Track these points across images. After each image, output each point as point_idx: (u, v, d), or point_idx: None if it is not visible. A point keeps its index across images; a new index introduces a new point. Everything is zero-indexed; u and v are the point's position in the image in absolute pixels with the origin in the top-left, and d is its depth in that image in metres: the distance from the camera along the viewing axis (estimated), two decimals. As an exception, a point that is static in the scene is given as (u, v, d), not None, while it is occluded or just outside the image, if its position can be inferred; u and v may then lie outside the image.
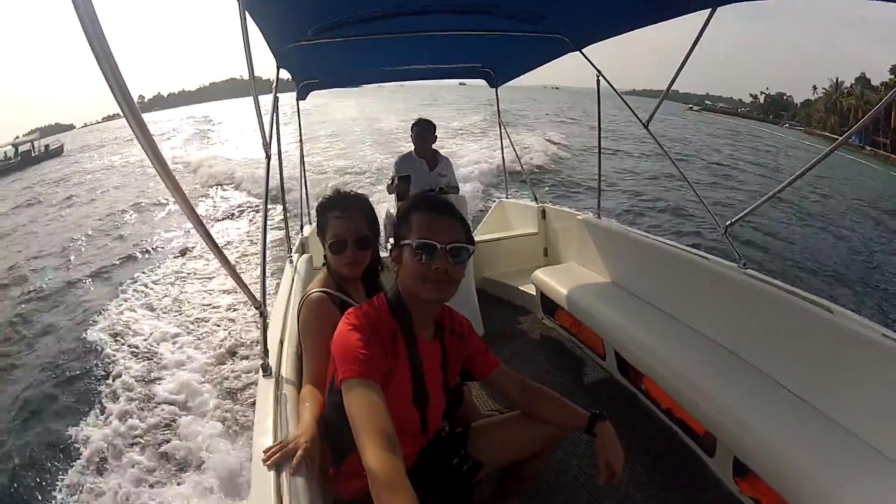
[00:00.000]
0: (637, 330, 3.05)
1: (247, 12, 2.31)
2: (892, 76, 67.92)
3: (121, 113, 1.09)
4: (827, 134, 70.73)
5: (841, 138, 2.67)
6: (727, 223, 2.97)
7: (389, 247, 1.66)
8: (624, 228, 4.03)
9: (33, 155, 40.54)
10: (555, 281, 3.91)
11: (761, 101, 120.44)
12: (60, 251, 11.62)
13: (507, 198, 6.28)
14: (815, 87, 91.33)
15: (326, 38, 3.17)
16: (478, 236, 5.37)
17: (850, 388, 2.15)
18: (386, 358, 1.49)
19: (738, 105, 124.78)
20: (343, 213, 2.04)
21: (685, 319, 3.10)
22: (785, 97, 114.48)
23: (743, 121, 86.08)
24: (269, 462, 1.51)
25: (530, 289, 4.34)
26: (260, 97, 2.60)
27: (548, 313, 4.17)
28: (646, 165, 20.25)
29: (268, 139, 2.70)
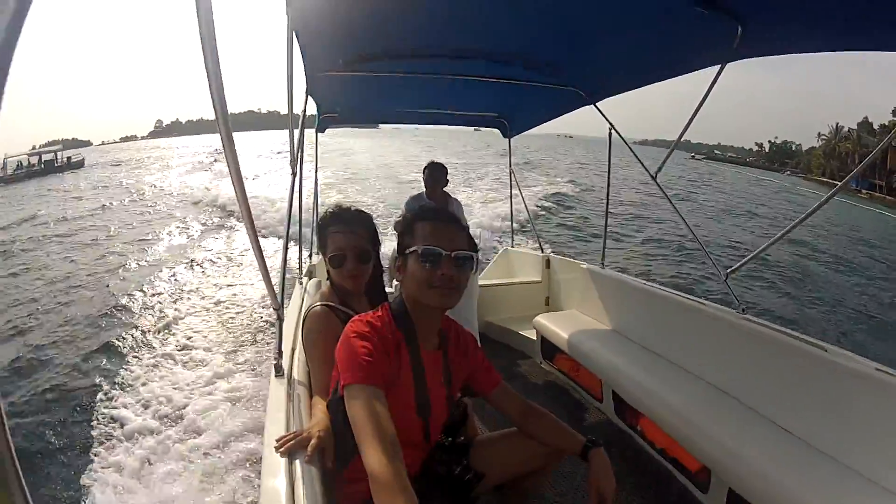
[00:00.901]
0: (635, 371, 3.12)
1: (295, 32, 2.40)
2: (894, 117, 68.50)
3: (216, 128, 1.26)
4: (824, 179, 71.17)
5: (837, 186, 2.79)
6: (728, 270, 3.05)
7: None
8: (625, 277, 4.11)
9: (56, 164, 46.60)
10: (556, 326, 3.98)
11: (767, 149, 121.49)
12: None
13: (512, 246, 6.35)
14: (819, 134, 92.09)
15: (356, 69, 3.26)
16: (481, 281, 5.40)
17: (844, 423, 2.20)
18: (389, 365, 1.51)
19: (747, 154, 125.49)
20: (344, 227, 2.07)
21: (683, 363, 3.16)
22: (790, 145, 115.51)
23: (746, 169, 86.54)
24: (282, 449, 1.53)
25: (531, 334, 4.39)
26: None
27: (547, 357, 4.22)
28: (652, 212, 20.41)
29: (295, 157, 2.85)
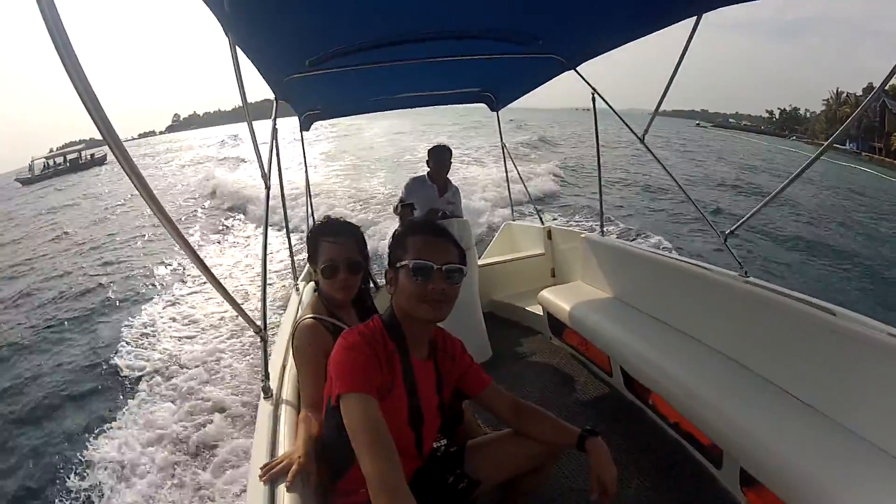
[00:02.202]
0: (642, 345, 3.06)
1: (237, 47, 2.36)
2: None
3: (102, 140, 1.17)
4: (824, 143, 70.60)
5: (826, 143, 2.73)
6: (726, 231, 2.99)
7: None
8: (625, 244, 4.07)
9: (80, 162, 53.23)
10: (561, 300, 3.94)
11: (777, 116, 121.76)
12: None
13: (513, 220, 6.32)
14: (823, 100, 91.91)
15: (323, 68, 3.21)
16: (485, 259, 5.45)
17: (856, 391, 2.14)
18: (383, 376, 1.52)
19: (761, 122, 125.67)
20: (335, 238, 2.09)
21: (689, 331, 3.12)
22: (799, 112, 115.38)
23: (752, 136, 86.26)
24: (264, 477, 1.55)
25: (538, 310, 4.36)
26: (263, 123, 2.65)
27: (555, 333, 4.18)
28: (646, 177, 20.58)
29: (267, 170, 2.76)
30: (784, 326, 2.51)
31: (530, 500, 2.08)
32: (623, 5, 2.71)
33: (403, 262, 1.59)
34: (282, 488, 1.50)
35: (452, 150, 4.71)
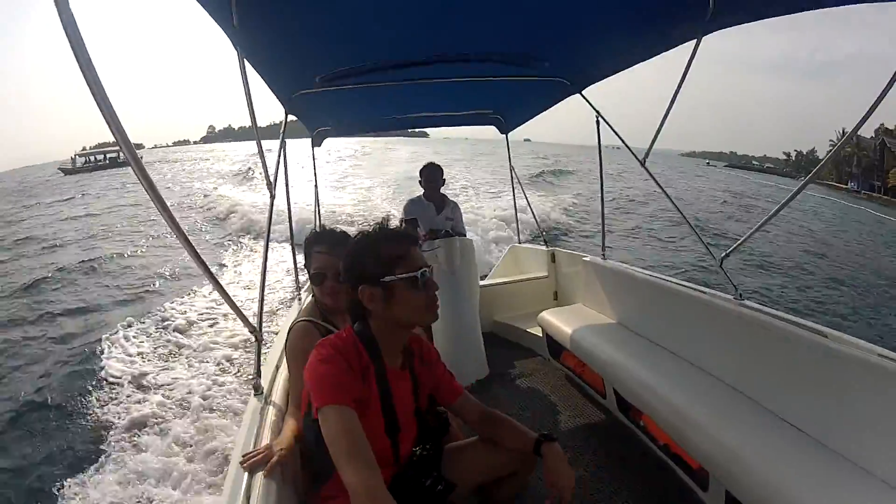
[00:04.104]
0: (635, 368, 3.08)
1: (246, 61, 2.42)
2: None
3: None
4: (831, 183, 72.21)
5: (810, 174, 2.89)
6: (722, 255, 3.03)
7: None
8: (626, 268, 4.10)
9: (119, 161, 58.36)
10: (560, 322, 3.97)
11: (793, 157, 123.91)
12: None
13: (519, 243, 6.38)
14: (830, 141, 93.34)
15: (333, 86, 3.26)
16: (489, 280, 5.51)
17: (847, 414, 2.15)
18: (359, 387, 1.53)
19: (783, 164, 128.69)
20: (327, 248, 2.19)
21: (683, 354, 3.15)
22: (815, 153, 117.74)
23: (761, 175, 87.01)
24: (245, 465, 1.61)
25: (539, 331, 4.38)
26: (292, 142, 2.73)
27: (554, 355, 4.20)
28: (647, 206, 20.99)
29: (273, 180, 2.86)
30: (777, 349, 2.54)
31: None
32: (623, 28, 2.77)
33: (399, 276, 1.57)
34: (259, 476, 1.57)
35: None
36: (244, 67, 2.42)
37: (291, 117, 3.84)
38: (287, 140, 3.25)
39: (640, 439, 3.07)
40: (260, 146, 2.83)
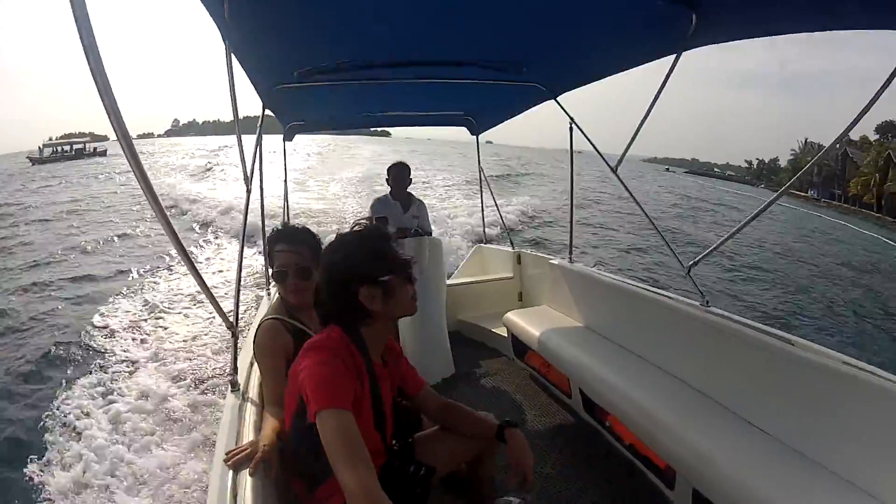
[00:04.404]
0: (602, 369, 3.11)
1: (232, 53, 2.43)
2: (877, 135, 71.15)
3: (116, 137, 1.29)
4: (791, 191, 73.99)
5: (782, 189, 2.92)
6: (690, 263, 3.08)
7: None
8: (593, 271, 4.13)
9: (85, 152, 62.85)
10: (526, 323, 3.98)
11: (755, 166, 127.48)
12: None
13: (484, 243, 6.40)
14: (791, 150, 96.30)
15: (310, 81, 3.26)
16: (454, 279, 5.51)
17: (811, 417, 2.22)
18: (354, 386, 1.55)
19: (744, 172, 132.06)
20: (288, 245, 2.18)
21: (650, 358, 3.19)
22: (778, 161, 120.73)
23: (720, 182, 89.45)
24: (229, 462, 1.60)
25: (503, 332, 4.40)
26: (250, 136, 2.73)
27: (518, 355, 4.22)
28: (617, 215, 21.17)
29: (249, 174, 2.86)
30: (743, 354, 2.59)
31: (483, 489, 2.16)
32: (605, 39, 2.80)
33: (397, 273, 1.66)
34: (244, 474, 1.55)
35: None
36: (230, 60, 2.44)
37: (267, 112, 3.82)
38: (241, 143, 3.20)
39: (606, 439, 3.09)
40: (240, 140, 2.84)
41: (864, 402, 2.06)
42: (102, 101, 1.14)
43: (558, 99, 3.84)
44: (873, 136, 66.43)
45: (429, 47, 2.87)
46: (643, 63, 2.96)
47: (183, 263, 1.81)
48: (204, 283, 1.94)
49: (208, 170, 32.76)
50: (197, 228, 15.65)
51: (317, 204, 19.02)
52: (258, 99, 3.51)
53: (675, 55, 2.73)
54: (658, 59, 2.82)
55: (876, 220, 48.93)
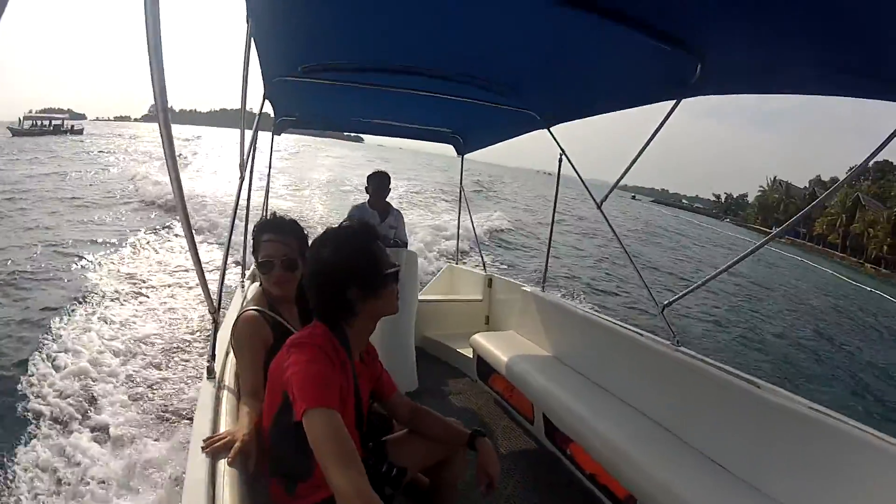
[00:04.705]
0: (567, 397, 3.12)
1: (253, 38, 2.47)
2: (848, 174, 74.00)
3: (154, 113, 1.37)
4: (754, 226, 78.12)
5: (773, 233, 2.98)
6: (664, 303, 3.13)
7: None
8: (564, 302, 4.17)
9: (62, 129, 63.27)
10: (492, 346, 3.99)
11: (723, 200, 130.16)
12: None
13: (457, 263, 6.41)
14: (760, 187, 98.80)
15: (314, 77, 3.28)
16: (423, 296, 5.47)
17: (774, 457, 2.28)
18: (341, 385, 1.54)
19: (713, 206, 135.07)
20: (276, 235, 2.16)
21: (616, 391, 3.21)
22: (746, 197, 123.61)
23: (684, 213, 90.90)
24: (207, 449, 1.57)
25: (468, 352, 4.40)
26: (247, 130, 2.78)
27: (482, 377, 4.22)
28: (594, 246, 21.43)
29: (245, 160, 2.90)
30: (709, 394, 2.64)
31: (451, 489, 2.16)
32: (608, 77, 2.83)
33: (388, 272, 1.69)
34: (222, 464, 1.52)
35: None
36: (249, 41, 2.48)
37: (256, 107, 3.79)
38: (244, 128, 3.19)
39: (567, 467, 3.10)
40: (242, 130, 2.88)
41: (825, 445, 2.14)
42: (153, 88, 1.24)
43: (551, 129, 3.86)
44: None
45: (431, 58, 2.90)
46: (642, 105, 3.00)
47: (187, 244, 1.81)
48: (200, 263, 1.95)
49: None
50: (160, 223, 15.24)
51: (285, 203, 18.95)
52: (255, 90, 3.52)
53: (674, 101, 2.77)
54: (657, 102, 2.87)
55: (839, 260, 50.94)
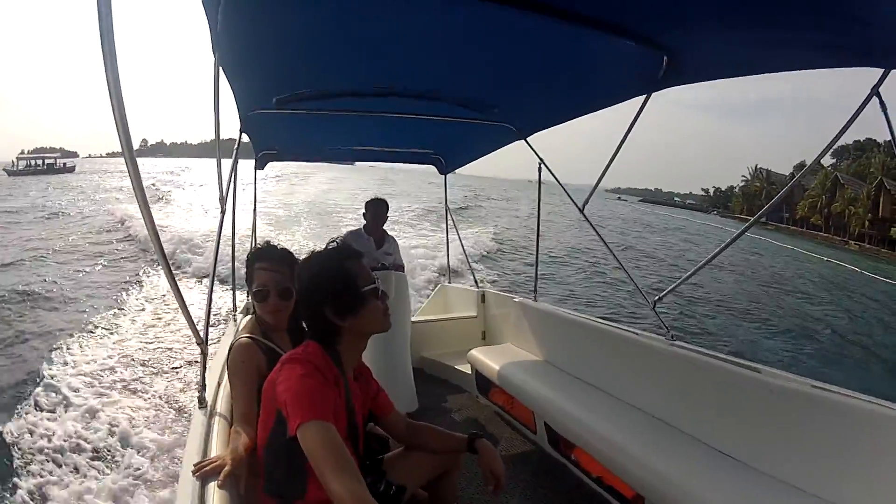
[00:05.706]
0: (567, 403, 3.15)
1: (221, 69, 2.45)
2: (833, 159, 75.51)
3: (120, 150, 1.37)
4: (739, 216, 79.16)
5: (751, 220, 3.03)
6: (655, 298, 3.16)
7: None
8: (556, 309, 4.20)
9: (55, 168, 70.66)
10: (490, 360, 4.01)
11: (712, 194, 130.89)
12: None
13: (449, 282, 6.42)
14: (742, 177, 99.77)
15: (289, 108, 3.27)
16: (418, 317, 5.52)
17: (781, 440, 2.29)
18: (334, 398, 1.55)
19: (702, 200, 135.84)
20: (269, 264, 2.18)
21: (615, 392, 3.24)
22: (734, 189, 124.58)
23: (673, 210, 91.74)
24: (197, 473, 1.59)
25: (467, 369, 4.42)
26: (225, 160, 2.81)
27: (482, 392, 4.23)
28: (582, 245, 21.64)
29: (224, 194, 2.88)
30: (708, 385, 2.67)
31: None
32: (578, 81, 2.86)
33: (364, 289, 1.67)
34: (212, 486, 1.53)
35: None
36: (218, 73, 2.45)
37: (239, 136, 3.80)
38: (223, 160, 3.20)
39: (572, 472, 3.12)
40: (219, 162, 2.85)
41: (832, 420, 2.16)
42: (116, 124, 1.26)
43: (528, 140, 3.90)
44: (828, 161, 70.49)
45: (403, 79, 2.91)
46: (614, 104, 3.03)
47: (166, 279, 1.86)
48: (182, 298, 1.96)
49: (161, 199, 31.76)
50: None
51: (270, 231, 18.79)
52: (233, 124, 3.51)
53: (645, 95, 2.81)
54: (629, 99, 2.90)
55: (822, 240, 51.68)
